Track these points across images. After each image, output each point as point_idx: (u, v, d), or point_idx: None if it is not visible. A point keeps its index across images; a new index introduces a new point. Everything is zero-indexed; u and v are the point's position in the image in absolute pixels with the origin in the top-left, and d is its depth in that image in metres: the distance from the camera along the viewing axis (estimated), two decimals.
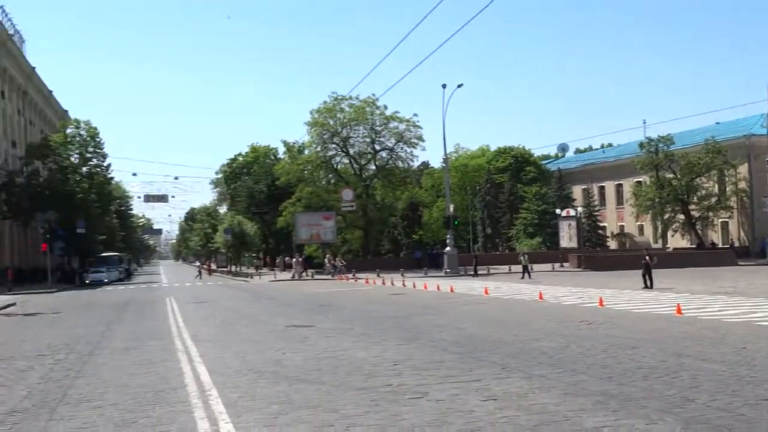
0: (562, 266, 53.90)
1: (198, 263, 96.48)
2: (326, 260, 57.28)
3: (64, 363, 13.28)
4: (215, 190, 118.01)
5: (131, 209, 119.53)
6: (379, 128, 65.06)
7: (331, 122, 64.60)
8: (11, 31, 66.74)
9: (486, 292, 29.83)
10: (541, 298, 25.66)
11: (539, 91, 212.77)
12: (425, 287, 35.42)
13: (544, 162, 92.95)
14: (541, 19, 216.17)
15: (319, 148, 65.95)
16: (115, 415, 8.70)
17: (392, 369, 11.32)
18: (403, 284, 39.11)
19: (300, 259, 59.33)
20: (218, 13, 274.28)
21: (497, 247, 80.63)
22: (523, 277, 41.43)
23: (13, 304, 32.99)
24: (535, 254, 58.53)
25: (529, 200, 77.03)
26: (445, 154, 59.63)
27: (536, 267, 49.96)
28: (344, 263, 55.52)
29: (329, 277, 53.80)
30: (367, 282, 43.94)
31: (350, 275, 50.75)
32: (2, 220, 60.00)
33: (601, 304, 21.63)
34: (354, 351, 13.47)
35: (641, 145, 63.84)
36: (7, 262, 61.04)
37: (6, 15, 65.35)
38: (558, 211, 63.70)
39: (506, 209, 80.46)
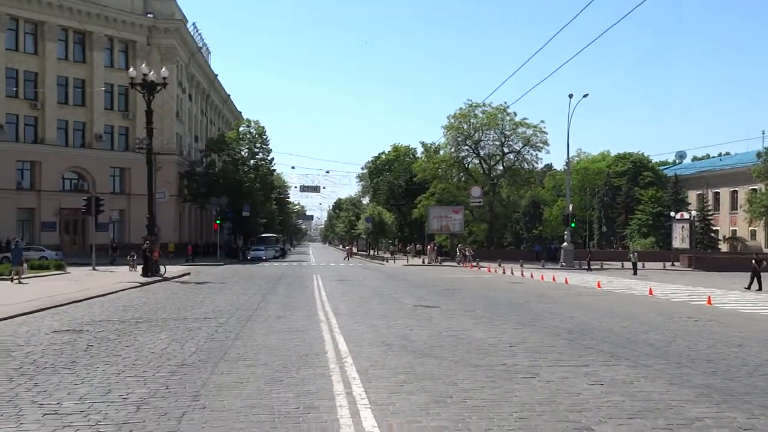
0: (673, 265, 51.46)
1: (348, 246, 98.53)
2: (458, 249, 56.76)
3: (226, 326, 13.88)
4: (360, 183, 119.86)
5: (288, 197, 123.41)
6: (508, 133, 64.09)
7: (465, 126, 64.14)
8: (200, 44, 70.38)
9: (599, 286, 28.86)
10: (651, 293, 24.54)
11: (660, 100, 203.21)
12: (542, 278, 34.70)
13: (661, 168, 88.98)
14: (665, 29, 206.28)
15: (453, 149, 65.66)
16: (265, 373, 9.01)
17: (508, 350, 11.15)
18: (522, 274, 38.44)
19: (435, 247, 59.39)
20: (366, 30, 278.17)
21: (612, 245, 77.90)
22: (635, 273, 40.25)
23: (188, 274, 34.86)
24: (648, 253, 56.10)
25: (645, 203, 74.25)
26: (568, 158, 58.48)
27: (648, 265, 47.86)
28: (473, 253, 54.52)
29: (456, 264, 53.59)
30: (489, 270, 43.49)
31: (475, 264, 50.35)
32: (183, 202, 63.50)
33: (709, 303, 20.45)
34: (474, 332, 13.35)
35: (758, 154, 59.99)
36: (186, 238, 64.60)
37: (197, 30, 69.13)
38: (672, 213, 60.73)
39: (622, 210, 77.66)
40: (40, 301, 18.31)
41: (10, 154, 51.57)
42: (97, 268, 36.53)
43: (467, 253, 54.04)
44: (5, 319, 14.77)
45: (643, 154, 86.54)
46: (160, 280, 29.05)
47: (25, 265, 28.85)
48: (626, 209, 76.74)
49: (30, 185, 53.56)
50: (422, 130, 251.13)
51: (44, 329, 13.30)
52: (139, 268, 32.43)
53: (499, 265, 46.95)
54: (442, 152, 68.81)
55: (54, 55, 54.32)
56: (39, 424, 6.57)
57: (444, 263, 55.01)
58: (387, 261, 62.32)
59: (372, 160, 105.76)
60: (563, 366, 9.73)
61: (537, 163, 67.74)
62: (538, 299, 21.65)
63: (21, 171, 53.32)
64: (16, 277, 26.50)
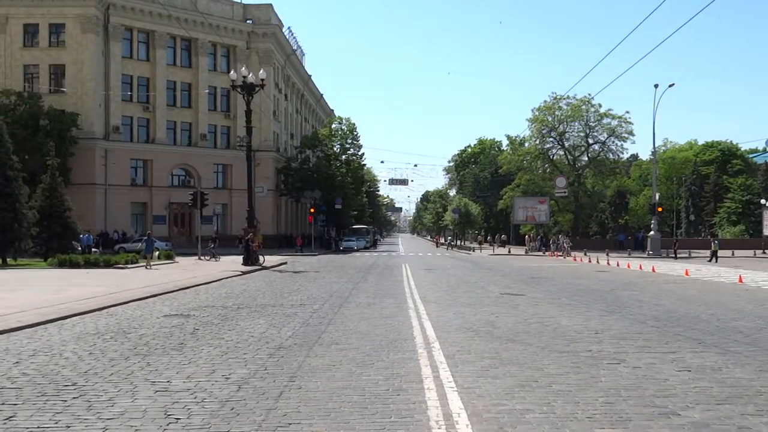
0: (764, 253, 48.83)
1: (436, 237, 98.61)
2: (558, 238, 54.75)
3: (320, 312, 14.10)
4: (447, 176, 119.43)
5: (378, 190, 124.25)
6: (593, 124, 62.33)
7: (550, 119, 62.76)
8: (295, 47, 71.67)
9: (686, 273, 27.68)
10: (740, 281, 23.35)
11: (750, 87, 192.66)
12: (628, 266, 33.62)
13: (751, 155, 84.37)
14: (750, 16, 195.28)
15: (537, 141, 64.40)
16: (357, 357, 9.10)
17: (593, 337, 10.85)
18: (608, 263, 37.34)
19: (537, 237, 57.75)
20: (450, 25, 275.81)
21: (700, 234, 74.65)
22: (710, 260, 38.63)
23: (285, 263, 35.64)
24: (738, 241, 53.42)
25: (734, 191, 70.73)
26: (654, 147, 56.67)
27: (737, 253, 45.63)
28: (571, 244, 52.00)
29: (540, 253, 52.62)
30: (575, 260, 42.52)
31: (562, 254, 48.71)
32: (280, 196, 64.94)
33: None
34: (559, 318, 13.07)
35: None
36: (283, 229, 66.07)
37: (292, 34, 70.37)
38: (763, 201, 57.59)
39: (710, 198, 74.31)
40: (152, 288, 19.14)
41: (125, 153, 54.15)
42: (201, 257, 37.86)
43: (566, 244, 51.54)
44: (122, 304, 15.52)
45: (731, 142, 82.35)
46: (259, 269, 29.84)
47: (156, 253, 32.73)
48: (715, 198, 73.42)
49: (143, 181, 56.05)
50: (507, 123, 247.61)
51: (156, 313, 13.89)
52: (221, 259, 33.40)
53: (585, 254, 45.80)
54: (527, 144, 67.69)
55: (164, 61, 56.59)
56: (151, 400, 6.86)
57: (529, 253, 54.03)
58: (473, 251, 61.85)
59: (458, 153, 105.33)
60: (650, 352, 9.39)
61: (622, 154, 65.65)
62: (624, 287, 20.99)
63: (135, 168, 55.84)
64: (149, 264, 29.78)
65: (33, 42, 52.59)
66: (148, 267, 29.28)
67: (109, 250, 42.29)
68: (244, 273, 27.23)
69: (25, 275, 24.24)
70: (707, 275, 27.37)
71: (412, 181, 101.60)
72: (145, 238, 32.93)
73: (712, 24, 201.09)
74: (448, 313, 13.90)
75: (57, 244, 33.43)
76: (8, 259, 31.28)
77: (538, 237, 56.90)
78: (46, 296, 16.41)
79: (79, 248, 35.87)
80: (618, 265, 35.30)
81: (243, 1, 61.35)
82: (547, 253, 51.63)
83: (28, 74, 52.23)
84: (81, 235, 38.80)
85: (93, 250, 37.77)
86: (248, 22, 61.15)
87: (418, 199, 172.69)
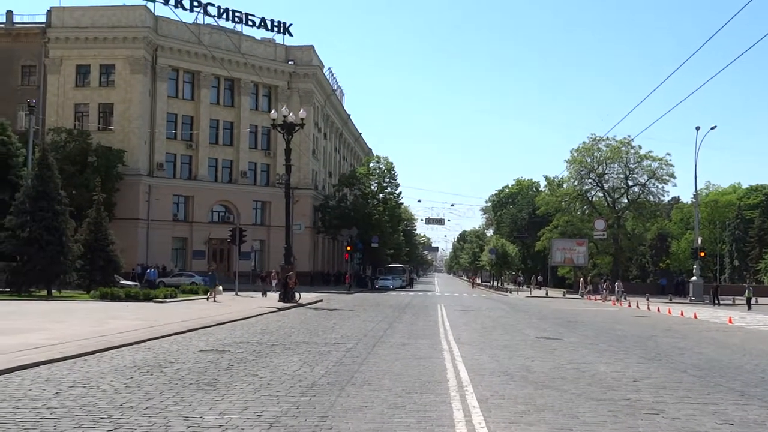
0: None
1: (472, 277, 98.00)
2: (602, 282, 51.87)
3: (353, 351, 14.05)
4: (484, 216, 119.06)
5: (415, 229, 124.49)
6: (632, 166, 61.68)
7: (589, 160, 62.34)
8: (335, 87, 72.87)
9: (730, 321, 26.94)
10: None
11: None
12: (669, 312, 32.88)
13: None
14: None
15: (576, 183, 63.92)
16: (389, 398, 9.03)
17: (631, 384, 10.60)
18: (648, 308, 36.57)
19: (586, 280, 54.84)
20: (487, 65, 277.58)
21: (745, 280, 72.74)
22: (749, 308, 37.57)
23: (321, 300, 35.70)
24: None
25: None
26: (696, 190, 55.59)
27: None
28: (623, 289, 47.20)
29: (579, 296, 51.80)
30: (614, 304, 41.76)
31: (617, 299, 45.29)
32: (317, 233, 65.30)
33: None
34: (596, 365, 12.80)
35: None
36: (320, 266, 66.31)
37: (332, 75, 71.64)
38: None
39: (755, 243, 72.54)
40: (190, 323, 19.32)
41: (168, 189, 55.30)
42: (239, 293, 38.14)
43: (617, 288, 47.01)
44: (159, 338, 15.68)
45: None
46: (295, 306, 29.92)
47: (219, 287, 34.26)
48: (760, 243, 71.71)
49: (184, 217, 57.04)
50: (545, 163, 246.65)
51: (192, 348, 14.00)
52: (274, 294, 33.65)
53: (624, 298, 44.95)
54: (565, 185, 67.20)
55: (207, 101, 57.99)
56: None
57: (567, 296, 53.17)
58: (510, 292, 61.19)
59: (496, 194, 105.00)
60: (690, 403, 9.12)
61: (663, 196, 64.59)
62: (664, 333, 20.52)
63: (177, 204, 56.91)
64: (212, 297, 31.95)
65: (84, 82, 54.51)
66: (213, 300, 31.41)
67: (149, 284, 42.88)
68: (280, 310, 27.33)
69: (68, 307, 24.70)
70: (752, 323, 26.60)
71: (449, 220, 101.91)
72: (209, 273, 35.37)
73: (755, 65, 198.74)
74: (483, 356, 13.73)
75: (100, 276, 34.09)
76: (53, 291, 31.94)
77: (604, 280, 52.68)
78: (87, 328, 16.68)
79: (137, 283, 38.67)
80: (659, 310, 34.55)
81: (285, 43, 62.75)
82: (585, 297, 50.77)
83: (78, 113, 54.03)
84: (148, 269, 40.16)
85: (134, 283, 38.43)
86: (290, 63, 62.44)
87: (455, 239, 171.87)
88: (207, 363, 11.85)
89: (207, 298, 32.16)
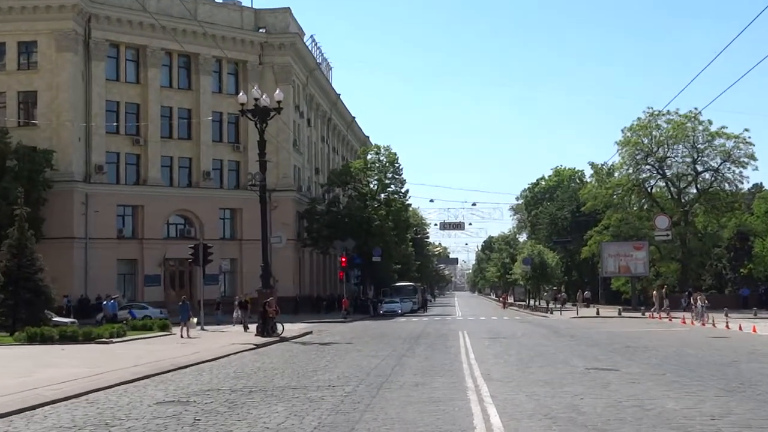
0: None
1: (503, 295, 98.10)
2: (688, 297, 51.25)
3: (353, 395, 14.05)
4: (514, 217, 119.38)
5: (427, 237, 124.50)
6: (701, 146, 61.85)
7: (646, 141, 62.52)
8: (319, 60, 72.94)
9: None
10: None
11: None
12: (754, 330, 32.84)
13: None
14: None
15: (630, 170, 64.10)
16: None
17: (708, 424, 10.60)
18: (727, 326, 36.54)
19: (662, 293, 54.22)
20: (515, 33, 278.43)
21: None
22: None
23: (310, 333, 35.65)
24: None
25: None
26: None
27: None
28: (707, 303, 45.90)
29: (639, 315, 51.80)
30: (684, 322, 41.74)
31: (697, 317, 44.46)
32: (303, 247, 65.35)
33: None
34: (663, 400, 12.82)
35: None
36: (307, 290, 66.44)
37: (315, 44, 71.61)
38: None
39: None
40: (144, 367, 19.33)
41: (110, 198, 55.37)
42: (205, 327, 38.17)
43: (699, 302, 45.49)
44: (105, 388, 15.68)
45: None
46: (277, 341, 29.94)
47: (194, 319, 35.61)
48: None
49: (132, 233, 57.13)
50: (590, 148, 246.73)
51: (147, 400, 14.01)
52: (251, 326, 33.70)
53: (706, 316, 44.84)
54: (616, 174, 67.32)
55: (157, 83, 58.08)
56: None
57: (623, 314, 53.14)
58: (551, 312, 61.23)
59: (529, 188, 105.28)
60: None
61: (742, 183, 64.81)
62: (748, 358, 20.55)
63: (122, 217, 57.00)
64: (185, 332, 32.70)
65: None
66: (185, 336, 32.27)
67: (90, 320, 42.88)
68: (258, 346, 27.34)
69: None
70: None
71: (470, 224, 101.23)
72: (180, 303, 35.44)
73: None
74: (519, 395, 13.74)
75: (26, 313, 33.90)
76: None
77: (688, 294, 51.62)
78: (12, 380, 16.68)
79: (102, 316, 40.21)
80: (741, 328, 34.52)
81: (254, 6, 62.97)
82: (647, 314, 50.77)
83: None
84: (104, 302, 40.28)
85: (69, 320, 38.39)
86: (261, 31, 62.55)
87: (479, 248, 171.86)
88: (167, 419, 11.86)
89: (181, 335, 32.60)
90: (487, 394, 13.81)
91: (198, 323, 38.52)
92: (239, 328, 37.79)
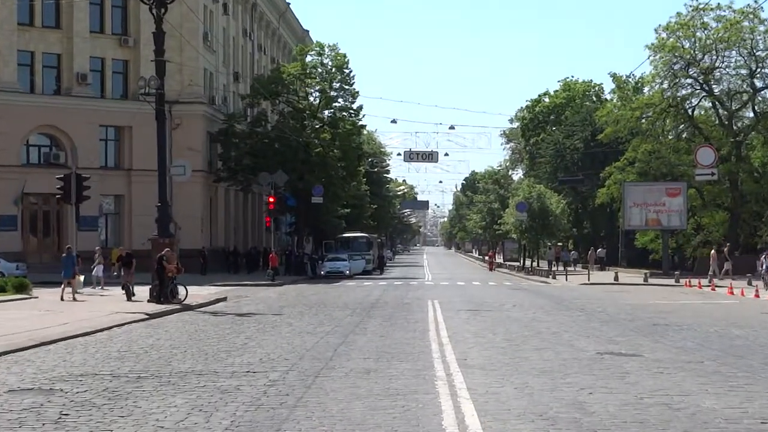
0: None
1: (490, 253, 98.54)
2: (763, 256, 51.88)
3: (280, 385, 14.06)
4: (506, 146, 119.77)
5: (387, 171, 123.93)
6: (761, 53, 62.10)
7: (687, 45, 62.59)
8: None
9: None
10: None
11: None
12: None
13: None
14: None
15: (665, 85, 64.22)
16: None
17: (758, 430, 10.82)
18: None
19: (723, 251, 55.01)
20: None
21: None
22: None
23: (224, 299, 35.62)
24: None
25: None
26: None
27: None
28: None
29: (670, 280, 52.33)
30: (731, 292, 42.29)
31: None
32: (216, 182, 64.85)
33: None
34: (699, 397, 13.04)
35: None
36: (221, 240, 66.18)
37: None
38: None
39: None
40: None
41: None
42: (80, 290, 37.82)
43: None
44: None
45: None
46: (178, 310, 29.89)
47: (80, 277, 36.60)
48: None
49: None
50: (612, 55, 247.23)
51: None
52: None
53: (749, 283, 45.68)
54: (646, 91, 67.58)
55: None
56: None
57: (649, 280, 53.77)
58: (553, 276, 61.78)
59: (527, 107, 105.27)
60: None
61: None
62: None
63: None
64: (71, 292, 33.73)
65: None
66: (73, 298, 33.42)
67: None
68: (151, 316, 27.26)
69: None
70: None
71: (446, 154, 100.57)
72: (65, 255, 35.23)
73: None
74: (505, 388, 13.86)
75: None
76: None
77: (764, 253, 52.00)
78: None
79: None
80: None
81: None
82: (683, 281, 51.23)
83: None
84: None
85: None
86: None
87: (457, 188, 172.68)
88: (22, 412, 11.79)
89: (62, 297, 32.97)
90: (462, 386, 13.88)
91: (93, 282, 38.56)
92: (112, 291, 37.68)
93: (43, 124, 58.05)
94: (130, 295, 34.02)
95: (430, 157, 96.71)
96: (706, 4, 61.12)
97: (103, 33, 60.22)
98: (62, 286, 33.68)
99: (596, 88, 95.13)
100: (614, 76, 69.62)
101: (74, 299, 32.97)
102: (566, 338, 21.65)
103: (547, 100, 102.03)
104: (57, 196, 41.09)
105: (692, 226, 67.25)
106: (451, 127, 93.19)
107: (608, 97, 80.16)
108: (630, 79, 69.78)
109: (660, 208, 59.85)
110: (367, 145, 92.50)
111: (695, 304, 35.20)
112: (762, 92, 63.33)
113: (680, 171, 62.82)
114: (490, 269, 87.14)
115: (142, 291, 34.00)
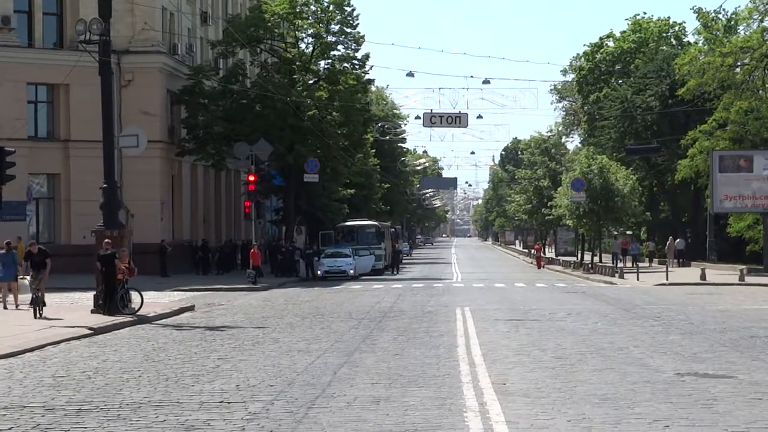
0: None
1: (536, 247, 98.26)
2: None
3: (263, 419, 14.14)
4: (558, 105, 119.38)
5: (403, 140, 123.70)
6: None
7: None
8: None
9: None
10: None
11: None
12: None
13: None
14: None
15: (767, 22, 64.20)
16: None
17: None
18: None
19: None
20: None
21: None
22: None
23: (191, 308, 35.74)
24: None
25: None
26: None
27: None
28: None
29: None
30: None
31: None
32: (179, 155, 64.82)
33: None
34: None
35: None
36: (187, 232, 66.27)
37: None
38: None
39: None
40: None
41: None
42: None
43: None
44: None
45: None
46: (131, 322, 30.00)
47: (25, 278, 35.02)
48: None
49: None
50: None
51: None
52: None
53: None
54: (741, 30, 67.54)
55: None
56: None
57: (748, 276, 53.78)
58: (620, 275, 61.69)
59: (585, 55, 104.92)
60: None
61: None
62: None
63: None
64: (15, 298, 34.42)
65: None
66: (15, 306, 34.02)
67: None
68: (96, 331, 27.35)
69: None
70: None
71: (479, 117, 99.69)
72: (4, 252, 35.43)
73: None
74: (557, 421, 13.91)
75: None
76: None
77: None
78: None
79: None
80: None
81: None
82: None
83: None
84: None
85: None
86: None
87: (494, 161, 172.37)
88: None
89: (4, 305, 33.85)
90: (500, 419, 13.93)
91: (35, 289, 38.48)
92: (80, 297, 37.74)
93: None
94: (39, 310, 31.38)
95: (457, 120, 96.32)
96: None
97: None
98: (2, 291, 34.13)
99: (676, 28, 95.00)
100: (699, 12, 69.70)
101: (17, 306, 33.47)
102: (636, 355, 21.67)
103: (611, 44, 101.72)
104: None
105: None
106: (486, 81, 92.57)
107: (692, 39, 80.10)
108: (720, 16, 69.76)
109: (757, 184, 59.69)
110: (377, 105, 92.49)
111: None
112: None
113: None
114: (538, 266, 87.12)
115: (84, 298, 34.08)
